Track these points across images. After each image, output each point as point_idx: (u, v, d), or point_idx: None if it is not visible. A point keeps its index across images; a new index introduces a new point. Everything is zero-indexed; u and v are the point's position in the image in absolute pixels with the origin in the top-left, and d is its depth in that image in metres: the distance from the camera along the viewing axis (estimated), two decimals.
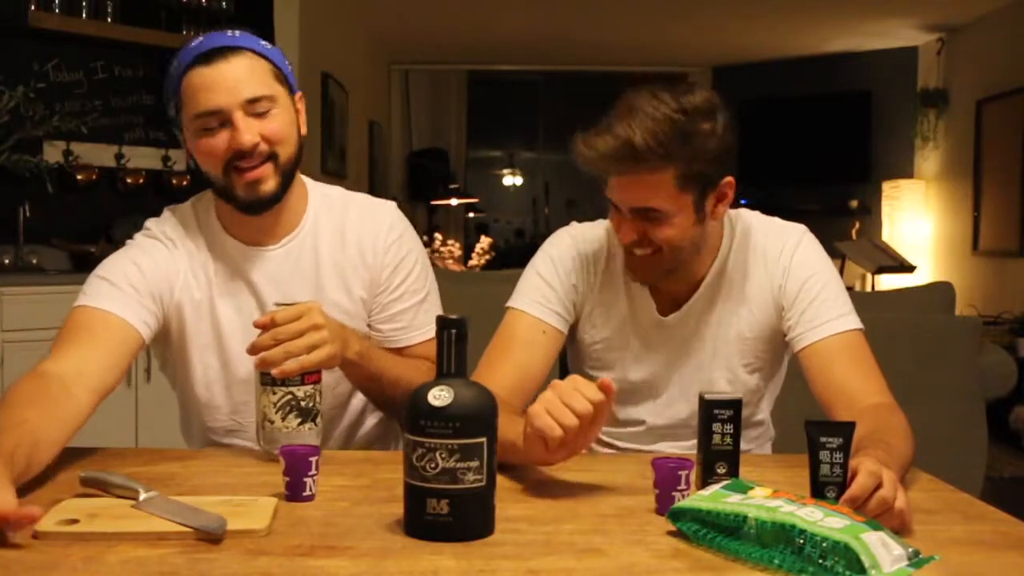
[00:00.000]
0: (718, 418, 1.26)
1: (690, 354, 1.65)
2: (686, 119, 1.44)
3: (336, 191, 1.69)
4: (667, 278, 1.60)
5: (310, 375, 1.40)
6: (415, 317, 1.66)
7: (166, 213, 1.65)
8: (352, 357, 1.47)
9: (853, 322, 1.58)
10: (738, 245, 1.64)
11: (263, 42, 1.55)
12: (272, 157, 1.51)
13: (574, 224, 1.72)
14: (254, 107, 1.49)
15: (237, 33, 1.53)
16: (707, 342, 1.64)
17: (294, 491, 1.22)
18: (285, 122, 1.53)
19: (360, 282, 1.63)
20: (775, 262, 1.63)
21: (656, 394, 1.67)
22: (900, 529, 1.11)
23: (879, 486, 1.12)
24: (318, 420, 1.43)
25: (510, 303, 1.67)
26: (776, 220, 1.70)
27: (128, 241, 1.62)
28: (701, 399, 1.27)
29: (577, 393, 1.23)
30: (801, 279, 1.60)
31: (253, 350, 1.37)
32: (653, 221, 1.50)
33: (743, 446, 1.67)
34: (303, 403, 1.40)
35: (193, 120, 1.50)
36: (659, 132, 1.43)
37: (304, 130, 1.59)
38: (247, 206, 1.54)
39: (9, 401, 1.31)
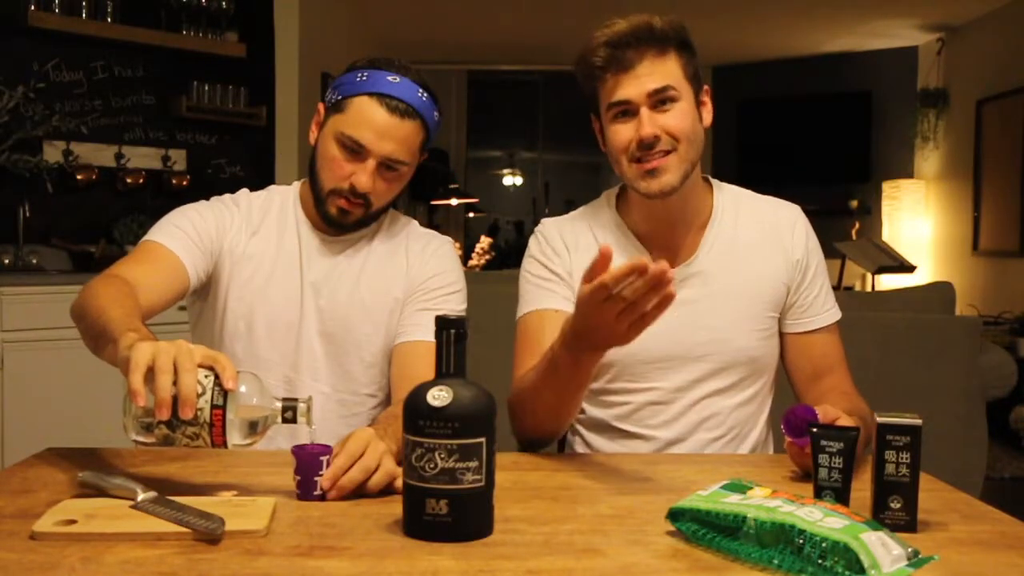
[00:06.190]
0: (892, 445, 1.12)
1: (697, 310, 1.63)
2: (680, 23, 1.62)
3: (405, 219, 1.82)
4: (679, 191, 1.59)
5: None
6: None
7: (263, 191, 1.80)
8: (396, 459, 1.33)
9: (838, 312, 1.71)
10: (734, 207, 1.70)
11: (436, 113, 1.69)
12: (367, 204, 1.65)
13: (543, 221, 1.77)
14: (389, 164, 1.64)
15: (425, 96, 1.65)
16: (716, 299, 1.64)
17: (305, 490, 1.22)
18: (399, 185, 1.69)
19: (397, 288, 1.72)
20: (789, 234, 1.69)
21: (664, 360, 1.64)
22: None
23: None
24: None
25: (517, 315, 1.69)
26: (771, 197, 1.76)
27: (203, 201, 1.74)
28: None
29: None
30: (815, 261, 1.70)
31: (339, 491, 1.23)
32: (667, 108, 1.57)
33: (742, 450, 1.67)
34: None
35: (338, 132, 1.63)
36: (668, 21, 1.59)
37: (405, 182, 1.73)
38: (327, 221, 1.69)
39: (93, 292, 1.43)
